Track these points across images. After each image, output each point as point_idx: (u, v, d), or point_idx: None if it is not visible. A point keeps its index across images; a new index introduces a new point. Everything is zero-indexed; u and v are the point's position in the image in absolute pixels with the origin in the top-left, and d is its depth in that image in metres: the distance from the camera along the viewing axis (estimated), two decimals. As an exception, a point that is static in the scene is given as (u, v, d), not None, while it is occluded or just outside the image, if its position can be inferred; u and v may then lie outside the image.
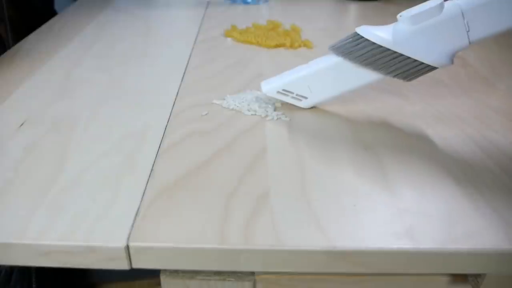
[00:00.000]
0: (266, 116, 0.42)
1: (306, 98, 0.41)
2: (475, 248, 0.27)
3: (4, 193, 0.31)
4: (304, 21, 0.68)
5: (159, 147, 0.37)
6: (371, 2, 0.81)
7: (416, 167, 0.34)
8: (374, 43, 0.36)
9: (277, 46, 0.59)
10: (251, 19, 0.69)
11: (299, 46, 0.59)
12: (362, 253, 0.27)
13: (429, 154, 0.36)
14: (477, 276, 0.30)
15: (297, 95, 0.41)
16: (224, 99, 0.44)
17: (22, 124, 0.40)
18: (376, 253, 0.27)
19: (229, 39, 0.62)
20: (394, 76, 0.37)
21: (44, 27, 0.67)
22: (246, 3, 0.80)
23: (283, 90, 0.41)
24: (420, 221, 0.29)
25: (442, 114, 0.42)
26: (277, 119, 0.41)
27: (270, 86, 0.42)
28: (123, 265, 0.28)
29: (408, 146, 0.37)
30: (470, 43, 0.35)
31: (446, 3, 0.35)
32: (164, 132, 0.39)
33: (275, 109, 0.43)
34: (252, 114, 0.42)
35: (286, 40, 0.59)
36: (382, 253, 0.27)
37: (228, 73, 0.51)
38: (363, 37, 0.37)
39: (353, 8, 0.79)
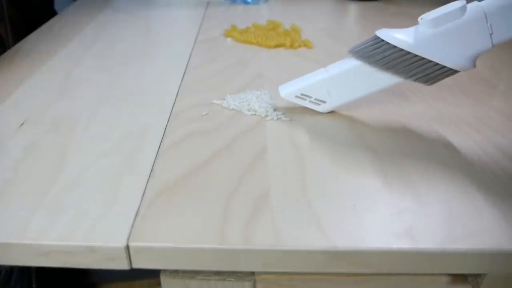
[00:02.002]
0: (266, 116, 0.42)
1: (324, 102, 0.41)
2: (475, 248, 0.27)
3: (4, 193, 0.31)
4: (304, 21, 0.68)
5: (159, 147, 0.37)
6: (371, 2, 0.81)
7: (416, 167, 0.34)
8: (395, 47, 0.36)
9: (277, 46, 0.59)
10: (251, 19, 0.69)
11: (299, 46, 0.59)
12: (362, 253, 0.27)
13: (429, 154, 0.36)
14: (477, 276, 0.30)
15: (315, 99, 0.41)
16: (224, 99, 0.44)
17: (22, 124, 0.40)
18: (376, 253, 0.27)
19: (229, 39, 0.62)
20: (415, 80, 0.37)
21: (44, 27, 0.67)
22: (246, 3, 0.80)
23: (302, 94, 0.41)
24: (420, 221, 0.29)
25: (443, 115, 0.42)
26: (277, 119, 0.41)
27: (288, 91, 0.41)
28: (123, 265, 0.28)
29: (408, 146, 0.37)
30: (492, 45, 0.34)
31: (468, 6, 0.34)
32: (164, 132, 0.39)
33: (275, 109, 0.43)
34: (252, 114, 0.42)
35: (286, 40, 0.59)
36: (382, 253, 0.27)
37: (228, 73, 0.51)
38: (383, 40, 0.36)
39: (353, 8, 0.79)
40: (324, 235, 0.28)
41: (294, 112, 0.42)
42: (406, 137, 0.38)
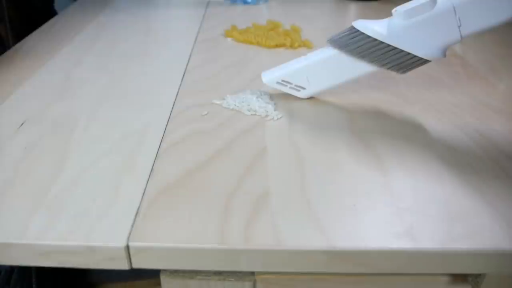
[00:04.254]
0: (266, 116, 0.42)
1: (304, 88, 0.43)
2: (475, 248, 0.27)
3: (4, 193, 0.31)
4: (304, 21, 0.68)
5: (159, 147, 0.37)
6: (371, 2, 0.81)
7: (417, 167, 0.34)
8: (369, 37, 0.38)
9: (277, 46, 0.59)
10: (251, 19, 0.69)
11: (299, 46, 0.59)
12: (362, 253, 0.27)
13: (429, 154, 0.36)
14: (477, 276, 0.30)
15: (295, 85, 0.43)
16: (224, 99, 0.44)
17: (22, 124, 0.40)
18: (376, 253, 0.27)
19: (229, 39, 0.62)
20: (389, 68, 0.39)
21: (44, 27, 0.67)
22: (246, 3, 0.80)
23: (282, 80, 0.43)
24: (420, 221, 0.29)
25: (442, 114, 0.42)
26: (277, 119, 0.41)
27: (270, 77, 0.43)
28: (123, 265, 0.28)
29: (408, 146, 0.37)
30: (461, 37, 0.36)
31: None
32: (164, 132, 0.39)
33: (275, 109, 0.43)
34: (252, 114, 0.42)
35: (286, 40, 0.59)
36: (382, 253, 0.27)
37: (228, 73, 0.51)
38: (359, 30, 0.38)
39: (353, 8, 0.79)
40: (324, 235, 0.28)
41: (294, 112, 0.42)
42: (406, 136, 0.38)
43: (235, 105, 0.43)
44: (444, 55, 0.37)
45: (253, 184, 0.32)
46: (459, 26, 0.35)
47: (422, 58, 0.37)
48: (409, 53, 0.37)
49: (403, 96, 0.45)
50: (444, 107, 0.43)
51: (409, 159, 0.35)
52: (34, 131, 0.39)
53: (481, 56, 0.56)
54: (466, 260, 0.28)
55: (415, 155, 0.36)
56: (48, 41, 0.61)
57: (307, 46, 0.59)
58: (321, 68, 0.41)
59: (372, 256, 0.27)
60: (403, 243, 0.27)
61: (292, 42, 0.59)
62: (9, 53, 0.57)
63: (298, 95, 0.44)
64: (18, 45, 0.60)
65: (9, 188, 0.32)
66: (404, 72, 0.39)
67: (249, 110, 0.42)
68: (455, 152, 0.36)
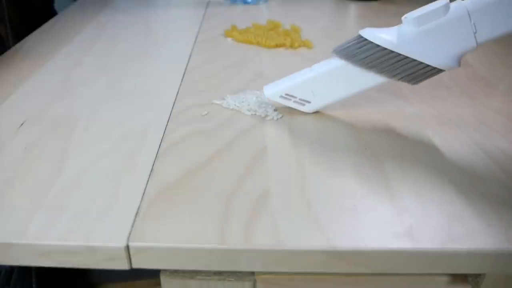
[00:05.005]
0: (266, 116, 0.42)
1: (309, 102, 0.41)
2: (475, 248, 0.27)
3: (4, 193, 0.31)
4: (304, 21, 0.68)
5: (159, 147, 0.37)
6: (371, 2, 0.81)
7: (416, 167, 0.34)
8: (378, 46, 0.36)
9: (277, 46, 0.59)
10: (251, 19, 0.69)
11: (299, 46, 0.59)
12: (362, 253, 0.27)
13: (429, 154, 0.36)
14: (477, 276, 0.30)
15: (300, 99, 0.41)
16: (224, 99, 0.44)
17: (22, 124, 0.40)
18: (376, 253, 0.27)
19: (229, 39, 0.62)
20: (399, 79, 0.37)
21: (44, 27, 0.67)
22: (246, 3, 0.80)
23: (286, 94, 0.41)
24: (420, 221, 0.29)
25: (442, 115, 0.42)
26: (277, 119, 0.41)
27: (273, 91, 0.41)
28: (123, 265, 0.28)
29: (408, 147, 0.37)
30: (477, 44, 0.34)
31: (451, 4, 0.34)
32: (164, 132, 0.39)
33: (275, 109, 0.43)
34: (252, 114, 0.42)
35: (286, 40, 0.59)
36: (382, 253, 0.27)
37: (228, 73, 0.51)
38: (366, 39, 0.36)
39: (353, 8, 0.79)
40: (324, 235, 0.28)
41: (294, 112, 0.42)
42: (406, 137, 0.38)
43: (235, 105, 0.43)
44: (459, 64, 0.35)
45: (253, 184, 0.32)
46: (474, 33, 0.33)
47: (435, 68, 0.35)
48: (421, 63, 0.35)
49: (402, 96, 0.45)
50: (444, 108, 0.43)
51: (408, 159, 0.35)
52: (34, 131, 0.39)
53: (481, 56, 0.56)
54: (466, 260, 0.28)
55: (415, 155, 0.36)
56: (48, 41, 0.61)
57: (307, 46, 0.59)
58: (327, 80, 0.39)
59: (372, 256, 0.27)
60: (403, 243, 0.27)
61: (292, 42, 0.59)
62: (9, 53, 0.57)
63: (303, 110, 0.41)
64: (18, 45, 0.60)
65: (9, 188, 0.32)
66: (416, 83, 0.37)
67: (249, 110, 0.42)
68: (455, 153, 0.36)
